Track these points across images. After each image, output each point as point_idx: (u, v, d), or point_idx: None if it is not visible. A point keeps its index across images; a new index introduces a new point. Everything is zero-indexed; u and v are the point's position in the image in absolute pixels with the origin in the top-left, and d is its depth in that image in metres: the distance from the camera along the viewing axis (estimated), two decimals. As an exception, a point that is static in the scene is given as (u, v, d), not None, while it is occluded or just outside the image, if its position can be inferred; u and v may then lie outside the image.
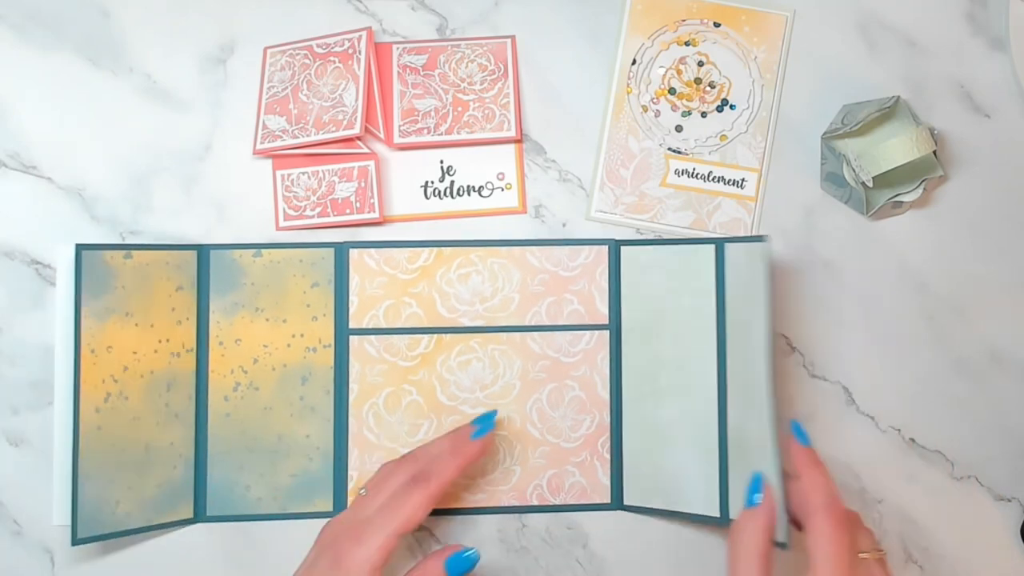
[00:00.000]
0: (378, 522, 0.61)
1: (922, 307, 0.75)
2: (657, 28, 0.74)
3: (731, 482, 0.68)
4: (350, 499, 0.70)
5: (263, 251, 0.71)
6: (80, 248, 0.69)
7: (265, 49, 0.73)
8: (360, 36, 0.72)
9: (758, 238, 0.65)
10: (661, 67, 0.74)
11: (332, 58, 0.72)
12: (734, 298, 0.68)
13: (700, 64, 0.74)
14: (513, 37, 0.74)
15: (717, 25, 0.74)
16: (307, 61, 0.72)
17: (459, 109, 0.73)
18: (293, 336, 0.72)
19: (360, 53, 0.72)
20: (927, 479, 0.74)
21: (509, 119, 0.72)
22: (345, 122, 0.71)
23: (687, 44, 0.74)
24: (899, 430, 0.74)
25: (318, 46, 0.73)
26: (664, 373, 0.71)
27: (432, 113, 0.72)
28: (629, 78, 0.74)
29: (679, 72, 0.74)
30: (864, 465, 0.74)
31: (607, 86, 0.74)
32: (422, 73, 0.73)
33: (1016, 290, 0.75)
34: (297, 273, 0.72)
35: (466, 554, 0.63)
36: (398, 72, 0.73)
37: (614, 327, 0.72)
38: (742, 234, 0.73)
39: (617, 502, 0.72)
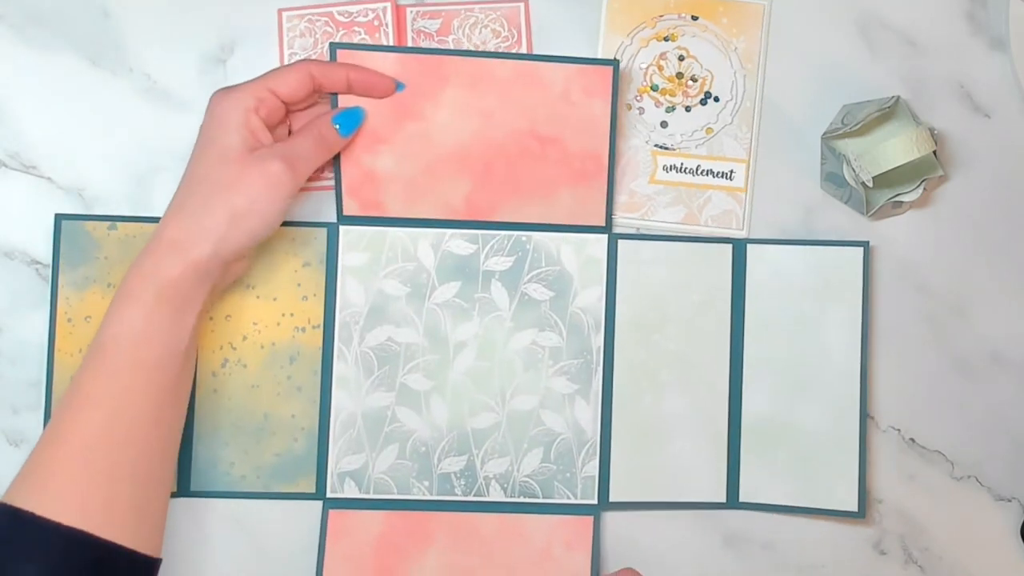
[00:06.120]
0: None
1: (922, 307, 0.75)
2: (635, 25, 0.74)
3: (743, 468, 0.72)
4: None
5: None
6: (60, 218, 0.70)
7: (280, 11, 0.73)
8: (385, 8, 0.72)
9: (857, 243, 0.72)
10: (642, 64, 0.74)
11: (356, 28, 0.72)
12: (790, 295, 0.72)
13: (681, 59, 0.74)
14: (526, 1, 0.74)
15: (695, 18, 0.74)
16: (329, 29, 0.72)
17: None
18: (283, 315, 0.72)
19: (387, 26, 0.72)
20: (927, 479, 0.74)
21: None
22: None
23: (666, 39, 0.74)
24: (899, 430, 0.74)
25: (339, 14, 0.72)
26: (666, 368, 0.72)
27: None
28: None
29: (660, 68, 0.74)
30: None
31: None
32: (436, 39, 0.73)
33: (1016, 290, 0.75)
34: (288, 252, 0.72)
35: (353, 109, 0.68)
36: (412, 37, 0.73)
37: (609, 323, 0.72)
38: (734, 226, 0.74)
39: (604, 502, 0.72)
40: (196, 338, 0.64)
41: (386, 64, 0.68)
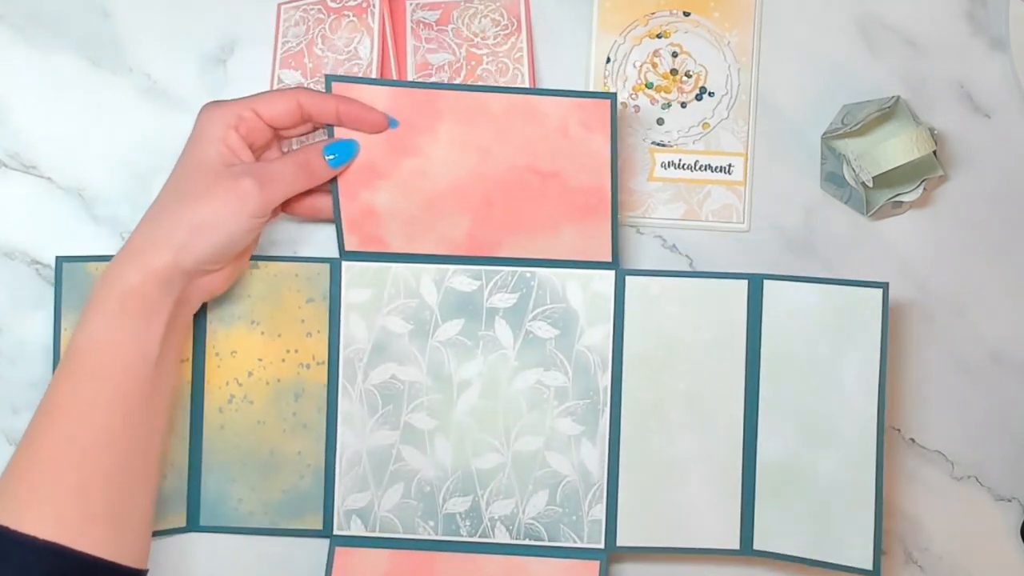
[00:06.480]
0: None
1: (922, 307, 0.75)
2: (628, 24, 0.74)
3: (757, 515, 0.69)
4: None
5: (260, 263, 0.71)
6: (61, 260, 0.69)
7: (279, 5, 0.73)
8: None
9: (876, 284, 0.67)
10: (636, 62, 0.74)
11: (346, 12, 0.72)
12: (808, 336, 0.68)
13: (674, 55, 0.74)
14: None
15: (687, 14, 0.74)
16: (321, 16, 0.72)
17: (472, 63, 0.73)
18: (287, 351, 0.71)
19: (374, 7, 0.72)
20: (927, 479, 0.74)
21: (523, 73, 0.72)
22: (360, 74, 0.71)
23: (659, 36, 0.74)
24: (899, 430, 0.74)
25: (332, 1, 0.73)
26: (677, 408, 0.70)
27: (445, 67, 0.72)
28: (605, 77, 0.74)
29: (654, 65, 0.74)
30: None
31: (583, 87, 0.74)
32: (435, 28, 0.73)
33: (1016, 290, 0.75)
34: (292, 288, 0.71)
35: (347, 142, 0.66)
36: (412, 27, 0.73)
37: (616, 362, 0.70)
38: (734, 220, 0.73)
39: (611, 546, 0.70)
40: (172, 348, 0.63)
41: (379, 97, 0.66)
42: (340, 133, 0.67)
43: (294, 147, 0.71)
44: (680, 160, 0.74)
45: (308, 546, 0.72)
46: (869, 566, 0.67)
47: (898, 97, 0.70)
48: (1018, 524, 0.75)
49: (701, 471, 0.70)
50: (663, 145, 0.74)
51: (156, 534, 0.70)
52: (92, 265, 0.70)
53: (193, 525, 0.71)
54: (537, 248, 0.70)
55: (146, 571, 0.61)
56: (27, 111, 0.73)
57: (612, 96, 0.66)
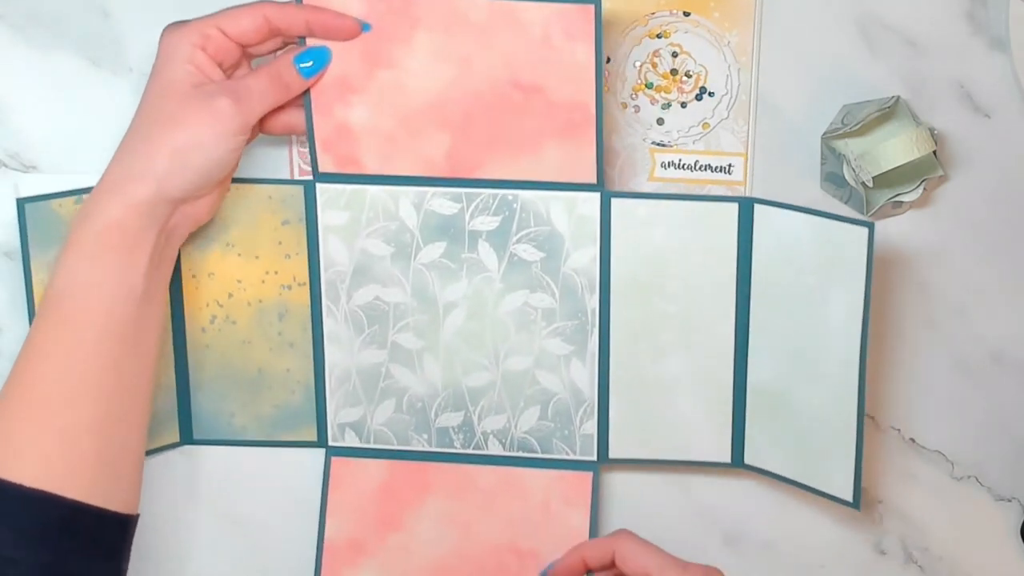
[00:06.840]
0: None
1: (922, 307, 0.75)
2: (628, 23, 0.74)
3: (748, 431, 0.70)
4: None
5: (231, 185, 0.69)
6: (22, 202, 0.67)
7: None
8: None
9: (863, 222, 0.64)
10: (636, 62, 0.74)
11: None
12: (796, 266, 0.67)
13: (674, 55, 0.74)
14: None
15: (687, 14, 0.74)
16: None
17: None
18: (267, 273, 0.70)
19: None
20: (927, 479, 0.74)
21: None
22: None
23: (659, 36, 0.74)
24: (899, 430, 0.74)
25: None
26: (666, 330, 0.70)
27: None
28: (605, 76, 0.74)
29: (654, 65, 0.74)
30: (864, 465, 0.74)
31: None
32: None
33: (1016, 290, 0.75)
34: (266, 210, 0.70)
35: (318, 49, 0.63)
36: None
37: (604, 285, 0.70)
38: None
39: (604, 458, 0.71)
40: (158, 284, 0.61)
41: (352, 4, 0.64)
42: (312, 43, 0.64)
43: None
44: (680, 160, 0.74)
45: (303, 458, 0.73)
46: (850, 498, 0.67)
47: (898, 97, 0.70)
48: (1018, 524, 0.75)
49: (692, 389, 0.70)
50: (663, 145, 0.74)
51: (150, 452, 0.70)
52: (56, 202, 0.67)
53: (187, 439, 0.71)
54: (519, 170, 0.68)
55: (137, 516, 0.60)
56: (27, 111, 0.73)
57: (596, 1, 0.63)
